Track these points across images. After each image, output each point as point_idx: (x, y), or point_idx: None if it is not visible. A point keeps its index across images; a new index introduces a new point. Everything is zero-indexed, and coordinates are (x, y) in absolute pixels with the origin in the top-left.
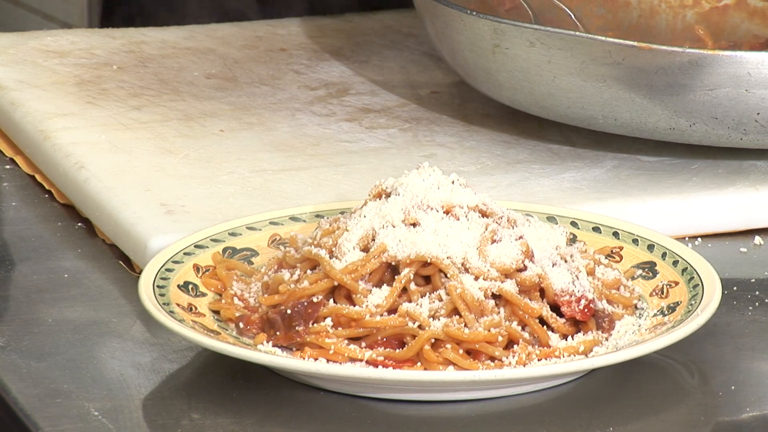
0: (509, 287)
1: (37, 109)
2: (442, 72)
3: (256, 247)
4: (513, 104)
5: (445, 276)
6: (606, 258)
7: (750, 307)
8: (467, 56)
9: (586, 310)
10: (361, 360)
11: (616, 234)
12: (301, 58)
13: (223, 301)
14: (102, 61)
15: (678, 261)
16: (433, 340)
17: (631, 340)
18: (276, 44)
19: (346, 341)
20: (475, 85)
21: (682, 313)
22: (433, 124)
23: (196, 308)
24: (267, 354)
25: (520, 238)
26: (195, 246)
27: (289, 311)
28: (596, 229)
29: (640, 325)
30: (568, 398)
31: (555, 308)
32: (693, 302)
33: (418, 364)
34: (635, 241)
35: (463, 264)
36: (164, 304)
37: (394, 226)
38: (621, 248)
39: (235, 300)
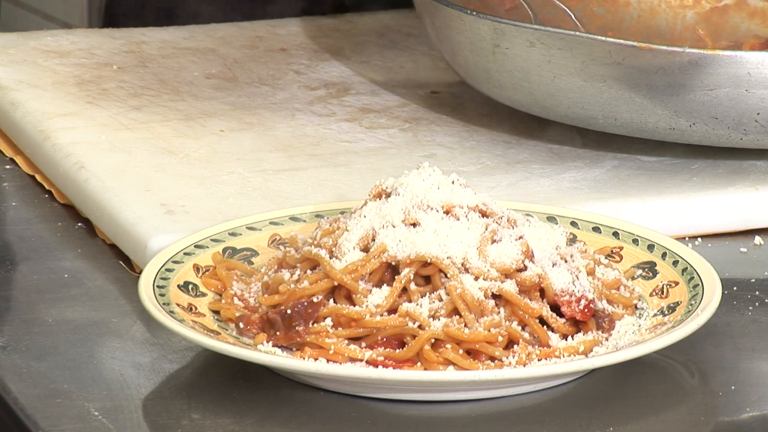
0: (509, 287)
1: (37, 109)
2: (442, 72)
3: (256, 247)
4: (513, 104)
5: (445, 276)
6: (606, 258)
7: (750, 307)
8: (467, 56)
9: (586, 310)
10: (361, 360)
11: (616, 234)
12: (301, 58)
13: (223, 301)
14: (102, 61)
15: (678, 261)
16: (433, 340)
17: (631, 340)
18: (276, 44)
19: (346, 341)
20: (475, 85)
21: (682, 313)
22: (433, 124)
23: (196, 308)
24: (267, 354)
25: (520, 238)
26: (195, 246)
27: (289, 311)
28: (596, 229)
29: (640, 325)
30: (568, 398)
31: (555, 308)
32: (693, 302)
33: (418, 364)
34: (635, 241)
35: (463, 264)
36: (164, 304)
37: (394, 226)
38: (621, 248)
39: (235, 300)
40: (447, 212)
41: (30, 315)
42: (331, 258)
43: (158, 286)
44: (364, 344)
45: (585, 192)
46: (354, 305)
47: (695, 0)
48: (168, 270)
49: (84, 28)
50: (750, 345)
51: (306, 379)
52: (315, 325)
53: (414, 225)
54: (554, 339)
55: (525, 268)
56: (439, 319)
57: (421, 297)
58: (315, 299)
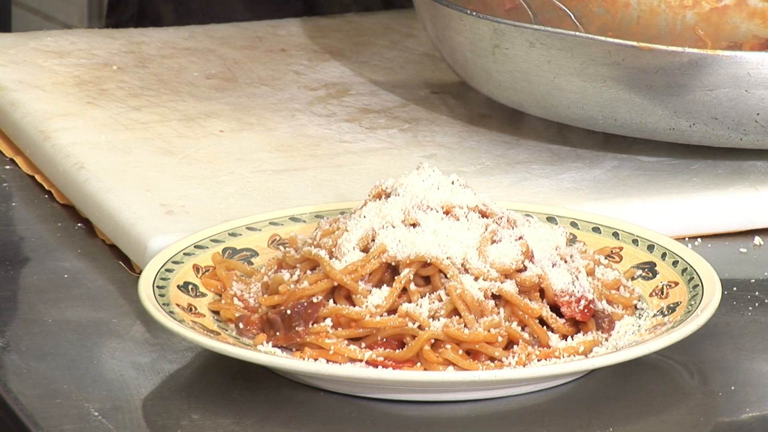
0: (509, 288)
1: (37, 110)
2: (442, 72)
3: (255, 248)
4: (513, 105)
5: (445, 276)
6: (606, 258)
7: (750, 308)
8: (467, 56)
9: (585, 310)
10: (360, 360)
11: (615, 234)
12: (301, 59)
13: (222, 301)
14: (102, 62)
15: (678, 261)
16: (432, 341)
17: (630, 340)
18: (276, 44)
19: (346, 341)
20: (475, 85)
21: (681, 314)
22: (433, 124)
23: (195, 308)
24: (267, 354)
25: (520, 238)
26: (195, 246)
27: (288, 312)
28: (596, 230)
29: (639, 326)
30: (568, 398)
31: (555, 309)
32: (693, 302)
33: (418, 364)
34: (635, 242)
35: (462, 264)
36: (164, 304)
37: (393, 227)
38: (621, 248)
39: (235, 300)
40: (447, 212)
41: (30, 315)
42: (330, 258)
43: (158, 287)
44: (363, 344)
45: (585, 192)
46: (354, 306)
47: (695, 0)
48: (168, 270)
49: (84, 28)
50: (750, 345)
51: (306, 379)
52: (315, 325)
53: (414, 225)
54: (554, 339)
55: (525, 269)
56: (438, 320)
57: (421, 297)
58: (315, 299)
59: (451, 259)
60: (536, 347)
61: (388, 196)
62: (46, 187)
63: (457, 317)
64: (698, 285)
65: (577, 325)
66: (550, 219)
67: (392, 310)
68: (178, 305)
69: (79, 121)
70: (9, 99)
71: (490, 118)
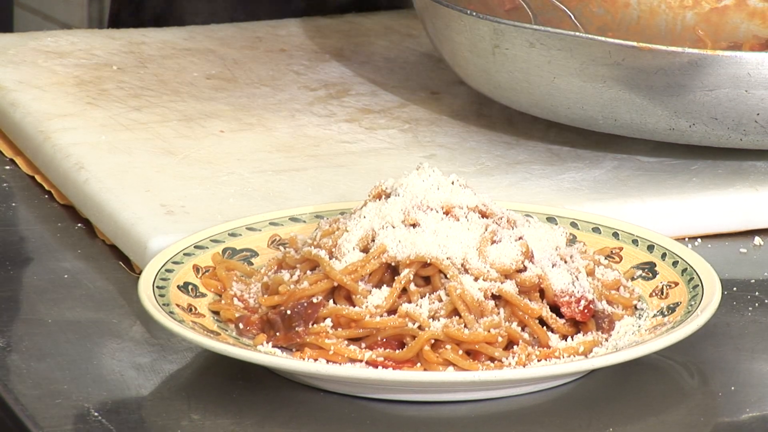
0: (509, 288)
1: (37, 110)
2: (442, 72)
3: (255, 248)
4: (513, 105)
5: (445, 277)
6: (606, 258)
7: (750, 308)
8: (467, 57)
9: (585, 310)
10: (360, 361)
11: (615, 234)
12: (301, 59)
13: (222, 301)
14: (102, 62)
15: (678, 261)
16: (432, 341)
17: (630, 340)
18: (276, 45)
19: (346, 342)
20: (475, 85)
21: (681, 314)
22: (432, 124)
23: (195, 309)
24: (267, 355)
25: (520, 238)
26: (195, 246)
27: (288, 312)
28: (596, 230)
29: (639, 326)
30: (567, 399)
31: (555, 309)
32: (693, 303)
33: (418, 364)
34: (635, 242)
35: (462, 265)
36: (164, 304)
37: (393, 227)
38: (621, 249)
39: (235, 301)
40: (447, 213)
41: (30, 315)
42: (330, 259)
43: (158, 287)
44: (363, 345)
45: (585, 193)
46: (354, 306)
47: (695, 0)
48: (168, 270)
49: (84, 28)
50: (750, 346)
51: (306, 379)
52: (315, 325)
53: (414, 226)
54: (554, 339)
55: (525, 269)
56: (438, 320)
57: (421, 297)
58: (315, 300)
59: (451, 260)
60: (536, 347)
61: (388, 196)
62: (46, 188)
63: (457, 317)
64: (698, 285)
65: (577, 326)
66: (550, 219)
67: (392, 311)
68: (178, 305)
69: (79, 122)
70: (9, 99)
71: (490, 118)
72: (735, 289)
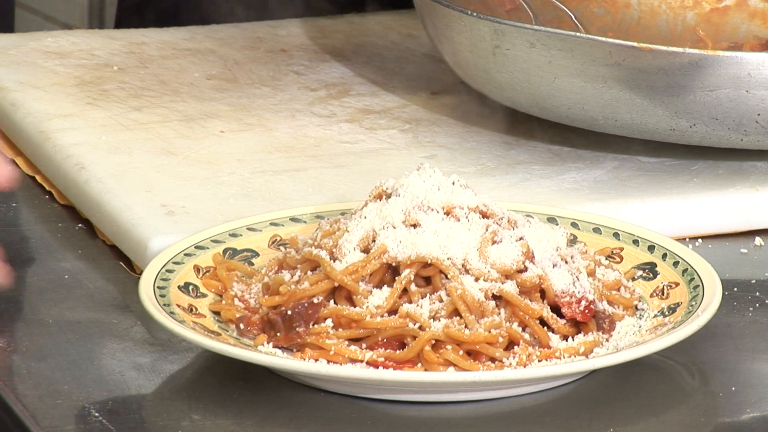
0: (510, 288)
1: (37, 110)
2: (442, 73)
3: (256, 248)
4: (513, 105)
5: (446, 277)
6: (606, 259)
7: (750, 308)
8: (467, 57)
9: (586, 311)
10: (361, 361)
11: (616, 235)
12: (302, 59)
13: (223, 302)
14: (102, 62)
15: (678, 262)
16: (433, 341)
17: (631, 341)
18: (276, 45)
19: (347, 342)
20: (475, 86)
21: (682, 314)
22: (433, 125)
23: (196, 309)
24: (267, 355)
25: (521, 239)
26: (195, 247)
27: (289, 312)
28: (597, 230)
29: (640, 326)
30: (568, 399)
31: (555, 309)
32: (693, 303)
33: (419, 365)
34: (636, 242)
35: (463, 265)
36: (165, 305)
37: (394, 227)
38: (621, 249)
39: (236, 301)
40: (447, 213)
41: (30, 316)
42: (331, 259)
43: (159, 287)
44: (364, 345)
45: (585, 193)
46: (354, 306)
47: (695, 1)
48: (168, 271)
49: (84, 29)
50: (750, 346)
51: (306, 380)
52: (315, 326)
53: (414, 226)
54: (555, 340)
55: (525, 269)
56: (439, 320)
57: (422, 298)
58: (315, 300)
59: (451, 260)
60: (537, 348)
61: (388, 196)
62: (47, 188)
63: (458, 318)
64: (699, 285)
65: (578, 326)
66: (551, 219)
67: (393, 311)
68: (178, 306)
69: (79, 122)
70: (10, 99)
71: (490, 118)
72: (735, 289)
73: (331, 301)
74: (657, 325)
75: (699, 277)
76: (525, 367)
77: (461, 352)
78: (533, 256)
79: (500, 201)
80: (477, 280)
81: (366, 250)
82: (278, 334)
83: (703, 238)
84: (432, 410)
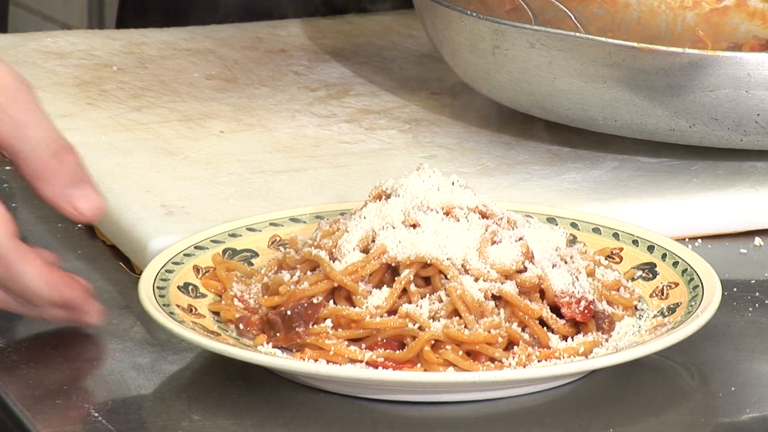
0: (509, 288)
1: None
2: (442, 73)
3: (256, 249)
4: (513, 105)
5: (445, 277)
6: (606, 259)
7: (750, 309)
8: (467, 57)
9: (586, 311)
10: (361, 361)
11: (616, 235)
12: (301, 59)
13: (223, 302)
14: (102, 63)
15: (678, 262)
16: (433, 342)
17: (631, 341)
18: (276, 45)
19: (346, 342)
20: (475, 86)
21: (682, 315)
22: (433, 125)
23: (196, 309)
24: (267, 355)
25: (520, 239)
26: (195, 247)
27: (289, 312)
28: (596, 230)
29: (640, 327)
30: (568, 399)
31: (555, 309)
32: (693, 303)
33: (418, 365)
34: (635, 242)
35: (463, 265)
36: (164, 305)
37: (394, 228)
38: (621, 249)
39: (235, 301)
40: (447, 213)
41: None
42: (331, 259)
43: (158, 287)
44: (364, 345)
45: (585, 193)
46: (354, 306)
47: (695, 1)
48: (168, 271)
49: (84, 28)
50: (750, 346)
51: (306, 380)
52: (315, 326)
53: (414, 226)
54: (554, 340)
55: (525, 270)
56: (439, 321)
57: (421, 298)
58: (315, 300)
59: (451, 260)
60: (536, 348)
61: (388, 197)
62: None
63: (458, 318)
64: (698, 286)
65: (578, 326)
66: (551, 220)
67: (392, 311)
68: (178, 306)
69: (79, 122)
70: None
71: (490, 118)
72: (735, 289)
73: (331, 302)
74: (656, 325)
75: (698, 277)
76: (525, 367)
77: (461, 353)
78: (533, 257)
79: (500, 201)
80: (476, 280)
81: (365, 251)
82: (278, 334)
83: (702, 238)
84: (432, 410)
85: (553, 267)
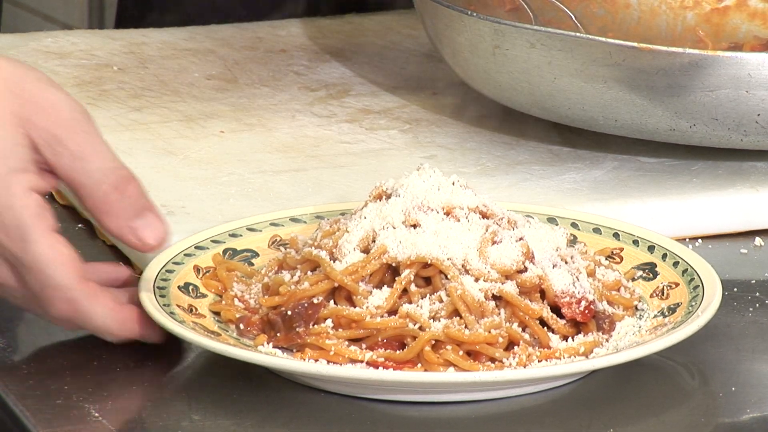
0: (510, 288)
1: None
2: (442, 73)
3: (256, 249)
4: (513, 105)
5: (446, 277)
6: (606, 259)
7: (750, 309)
8: (467, 57)
9: (586, 311)
10: (361, 361)
11: (616, 235)
12: (302, 59)
13: (223, 302)
14: (102, 63)
15: (678, 262)
16: (433, 342)
17: (631, 341)
18: (276, 45)
19: (347, 342)
20: (475, 86)
21: (682, 315)
22: (433, 125)
23: (196, 309)
24: (267, 355)
25: (521, 239)
26: (195, 247)
27: (289, 312)
28: (596, 230)
29: (640, 327)
30: (568, 399)
31: (555, 309)
32: (693, 303)
33: (419, 365)
34: (635, 243)
35: (463, 265)
36: (165, 305)
37: (394, 228)
38: (621, 249)
39: (236, 301)
40: (447, 213)
41: (30, 315)
42: (331, 259)
43: (158, 287)
44: (364, 345)
45: (585, 193)
46: (354, 306)
47: (695, 1)
48: (168, 271)
49: (84, 28)
50: (750, 346)
51: (306, 380)
52: (315, 326)
53: (414, 226)
54: (555, 340)
55: (525, 270)
56: (439, 321)
57: (422, 298)
58: (315, 300)
59: (451, 260)
60: (537, 348)
61: (388, 197)
62: None
63: (458, 318)
64: (699, 286)
65: (578, 326)
66: (551, 220)
67: (393, 311)
68: (178, 306)
69: None
70: None
71: (490, 118)
72: (735, 289)
73: (331, 302)
74: (657, 325)
75: (699, 277)
76: (525, 367)
77: (461, 353)
78: (533, 257)
79: (500, 201)
80: (477, 280)
81: (366, 251)
82: (278, 334)
83: (703, 238)
84: (432, 410)
85: (553, 267)
